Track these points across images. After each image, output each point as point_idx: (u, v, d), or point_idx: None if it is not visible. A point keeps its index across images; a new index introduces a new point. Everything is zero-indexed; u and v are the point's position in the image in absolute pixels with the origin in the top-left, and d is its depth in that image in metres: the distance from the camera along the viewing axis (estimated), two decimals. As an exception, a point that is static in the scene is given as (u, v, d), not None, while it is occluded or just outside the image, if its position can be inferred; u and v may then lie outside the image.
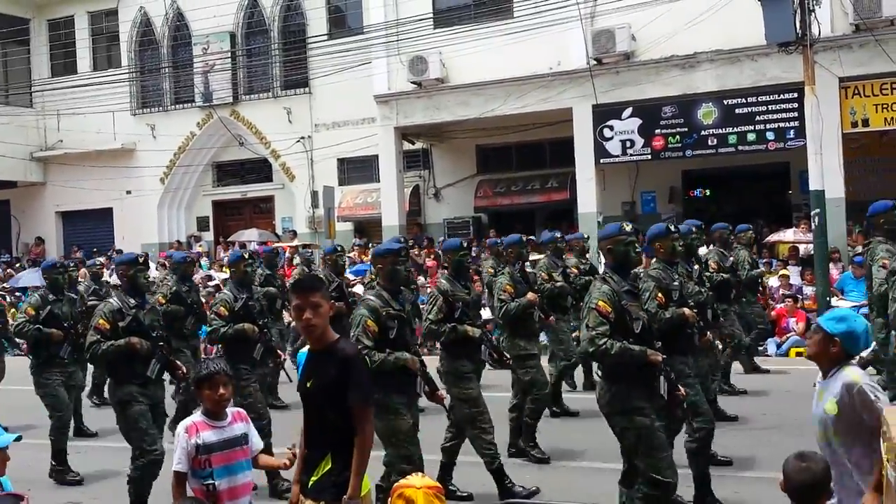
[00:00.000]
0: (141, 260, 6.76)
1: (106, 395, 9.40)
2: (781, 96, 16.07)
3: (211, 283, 18.85)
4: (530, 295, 8.04)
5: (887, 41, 15.00)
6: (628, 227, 5.39)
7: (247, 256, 8.07)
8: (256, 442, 4.42)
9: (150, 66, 24.77)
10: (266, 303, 9.51)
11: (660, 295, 6.10)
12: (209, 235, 24.78)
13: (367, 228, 21.92)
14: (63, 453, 8.10)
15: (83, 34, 25.31)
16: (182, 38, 24.19)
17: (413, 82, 18.77)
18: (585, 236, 11.77)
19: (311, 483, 3.98)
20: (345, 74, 19.91)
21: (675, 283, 6.40)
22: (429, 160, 21.82)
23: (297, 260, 20.60)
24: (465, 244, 7.20)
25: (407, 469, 5.11)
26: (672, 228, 6.79)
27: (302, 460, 4.11)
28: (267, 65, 23.33)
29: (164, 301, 9.42)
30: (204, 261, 22.39)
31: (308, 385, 4.02)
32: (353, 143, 21.20)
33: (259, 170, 24.12)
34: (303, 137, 22.57)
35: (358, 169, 22.27)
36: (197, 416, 4.32)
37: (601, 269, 10.12)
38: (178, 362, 6.92)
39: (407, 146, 20.61)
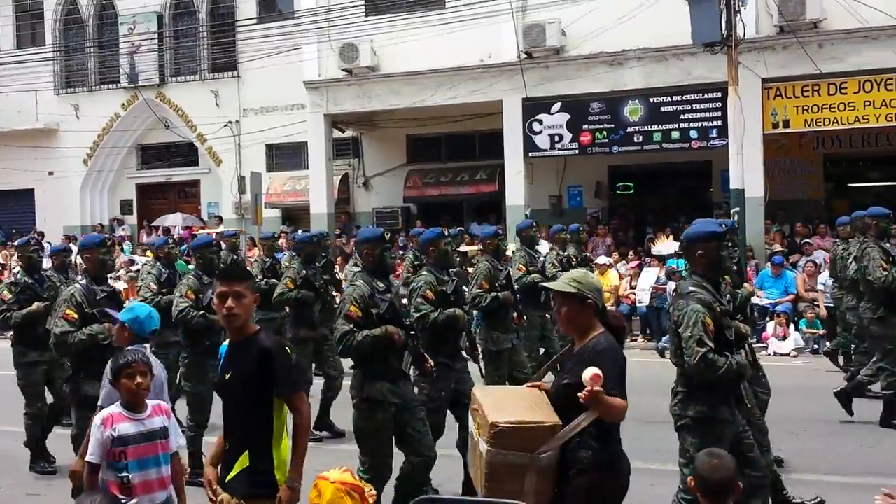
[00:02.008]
0: (388, 237, 5.92)
1: None
2: (706, 95, 16.38)
3: (133, 268, 18.47)
4: (748, 286, 7.76)
5: (810, 44, 15.43)
6: None
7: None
8: (175, 438, 4.36)
9: (74, 45, 24.18)
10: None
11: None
12: (132, 219, 24.40)
13: (295, 216, 21.73)
14: (199, 455, 7.20)
15: (6, 10, 24.56)
16: (108, 18, 23.69)
17: (344, 70, 18.63)
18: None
19: (228, 478, 3.97)
20: (274, 59, 19.63)
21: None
22: (359, 148, 21.73)
23: (222, 246, 20.33)
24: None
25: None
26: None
27: (220, 451, 4.09)
28: (195, 47, 22.92)
29: (292, 286, 8.88)
30: (126, 244, 21.96)
31: (227, 377, 4.00)
32: (282, 128, 20.98)
33: (185, 153, 23.71)
34: (230, 122, 22.26)
35: (286, 155, 22.05)
36: (115, 408, 4.26)
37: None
38: (426, 355, 6.05)
39: (337, 134, 20.48)
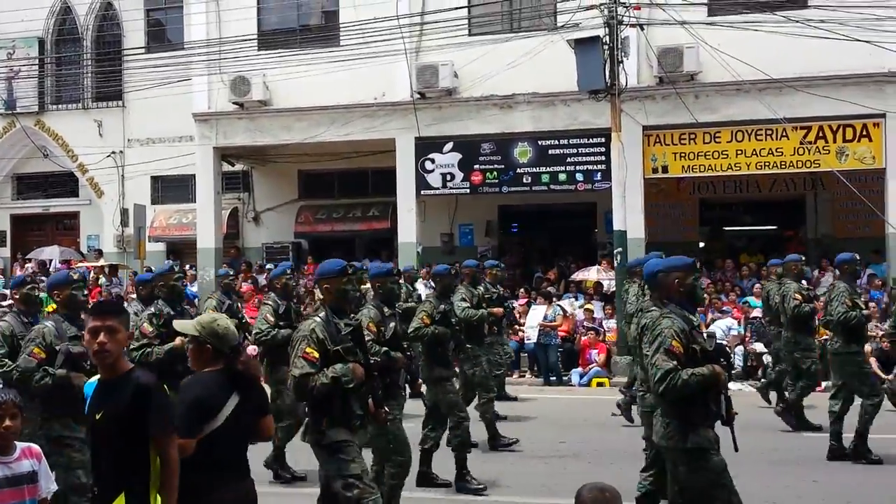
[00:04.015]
0: (697, 265, 5.32)
1: None
2: (590, 140, 16.94)
3: (4, 304, 17.58)
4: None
5: (687, 94, 16.19)
6: None
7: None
8: (46, 483, 4.17)
9: (-54, 68, 23.04)
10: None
11: None
12: (6, 251, 23.22)
13: (181, 250, 21.18)
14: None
15: None
16: (-16, 41, 22.67)
17: (235, 103, 18.40)
18: (802, 258, 10.89)
19: (102, 522, 3.80)
20: (162, 90, 19.18)
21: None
22: (249, 183, 21.43)
23: (102, 280, 19.62)
24: None
25: None
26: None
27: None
28: (78, 75, 22.21)
29: (428, 322, 7.95)
30: (-2, 278, 20.93)
31: (98, 417, 3.83)
32: (169, 160, 20.49)
33: (64, 184, 22.84)
34: (114, 152, 21.61)
35: (173, 188, 21.52)
36: (-19, 450, 4.05)
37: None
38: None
39: (226, 167, 20.14)
